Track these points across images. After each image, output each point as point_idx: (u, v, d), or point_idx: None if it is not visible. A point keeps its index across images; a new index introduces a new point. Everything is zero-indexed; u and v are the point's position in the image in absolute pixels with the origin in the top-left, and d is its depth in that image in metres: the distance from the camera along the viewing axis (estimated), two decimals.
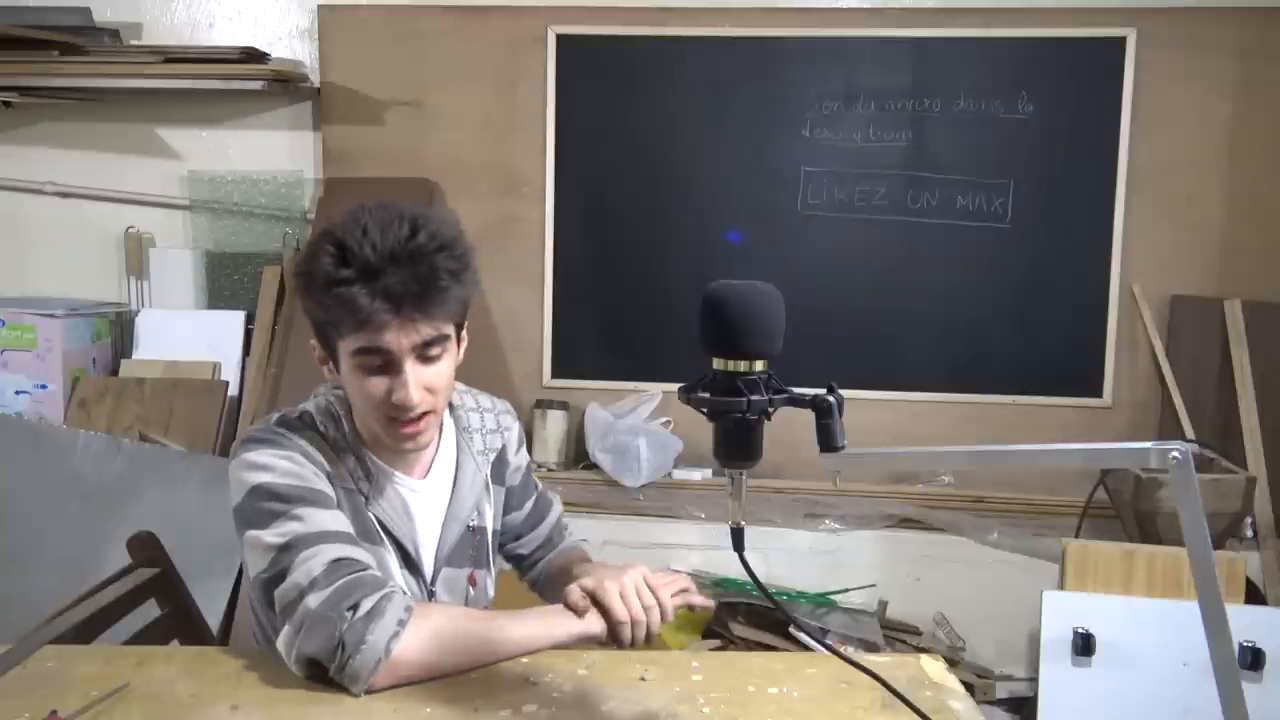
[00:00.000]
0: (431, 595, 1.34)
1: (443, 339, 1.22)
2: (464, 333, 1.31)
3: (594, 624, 1.21)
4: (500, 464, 1.46)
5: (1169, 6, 3.11)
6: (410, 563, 1.31)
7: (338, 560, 1.15)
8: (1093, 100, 3.14)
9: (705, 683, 1.18)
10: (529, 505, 1.53)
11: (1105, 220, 3.17)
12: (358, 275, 1.15)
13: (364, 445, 1.30)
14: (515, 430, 1.50)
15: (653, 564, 1.52)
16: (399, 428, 1.23)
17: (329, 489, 1.24)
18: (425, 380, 1.21)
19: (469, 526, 1.38)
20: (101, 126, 3.37)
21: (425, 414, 1.23)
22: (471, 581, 1.39)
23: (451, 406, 1.41)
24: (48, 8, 3.20)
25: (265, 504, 1.19)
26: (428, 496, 1.35)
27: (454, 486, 1.37)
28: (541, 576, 1.55)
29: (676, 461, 3.14)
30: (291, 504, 1.19)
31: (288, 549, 1.16)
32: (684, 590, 1.30)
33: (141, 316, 3.34)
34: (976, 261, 3.22)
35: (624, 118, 3.27)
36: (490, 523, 1.43)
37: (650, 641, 1.24)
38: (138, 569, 1.48)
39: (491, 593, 1.43)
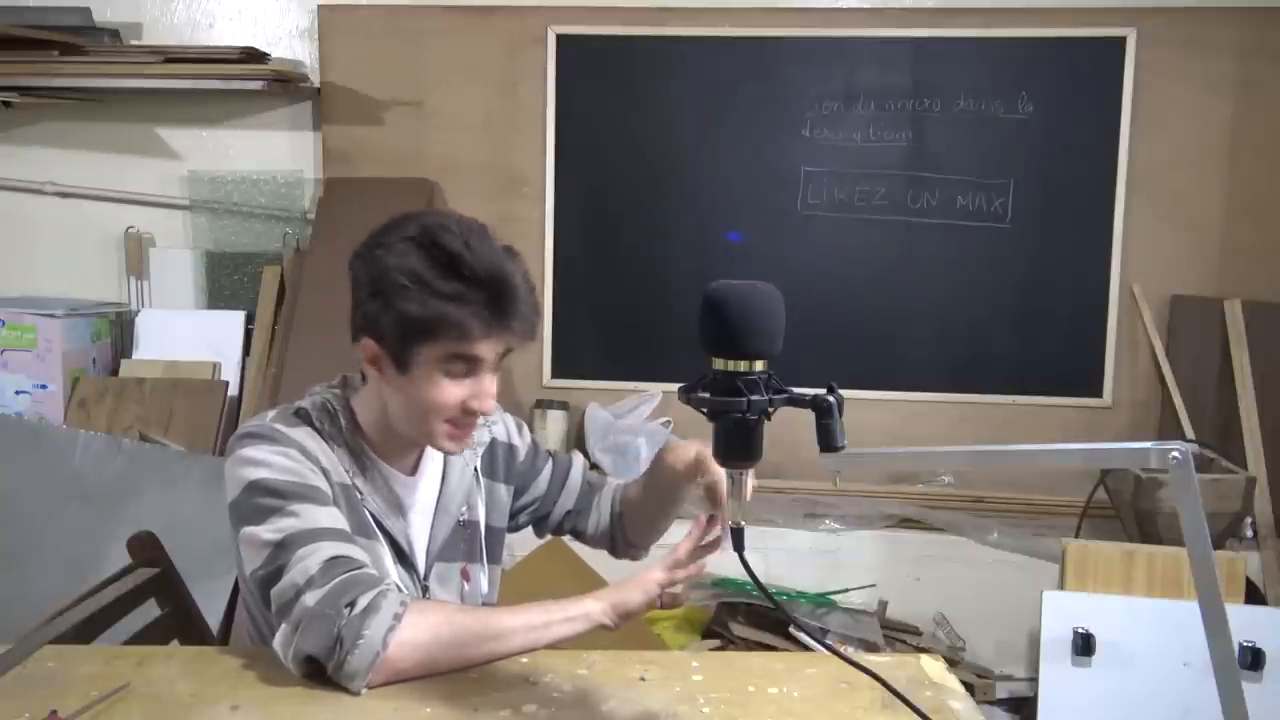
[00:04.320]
0: (425, 590, 1.34)
1: (510, 352, 1.27)
2: None
3: (594, 608, 1.21)
4: (496, 456, 1.47)
5: (1169, 6, 3.11)
6: (403, 557, 1.32)
7: (334, 558, 1.15)
8: (1093, 100, 3.14)
9: (705, 683, 1.18)
10: (548, 469, 1.54)
11: (1105, 220, 3.17)
12: (466, 289, 1.17)
13: (362, 440, 1.31)
14: (507, 420, 1.52)
15: (654, 563, 1.52)
16: (459, 430, 1.26)
17: (325, 485, 1.24)
18: (493, 389, 1.27)
19: (460, 521, 1.39)
20: (101, 126, 3.37)
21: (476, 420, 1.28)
22: (465, 576, 1.39)
23: None
24: (48, 8, 3.20)
25: (261, 500, 1.19)
26: (418, 492, 1.36)
27: (443, 481, 1.38)
28: (619, 517, 1.55)
29: None
30: (288, 500, 1.19)
31: (284, 546, 1.16)
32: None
33: (141, 316, 3.34)
34: (976, 261, 3.22)
35: (624, 118, 3.27)
36: (482, 517, 1.43)
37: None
38: (138, 569, 1.48)
39: (486, 588, 1.43)
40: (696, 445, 1.35)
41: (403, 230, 1.21)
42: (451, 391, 1.22)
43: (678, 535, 1.37)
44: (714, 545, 1.29)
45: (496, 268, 1.19)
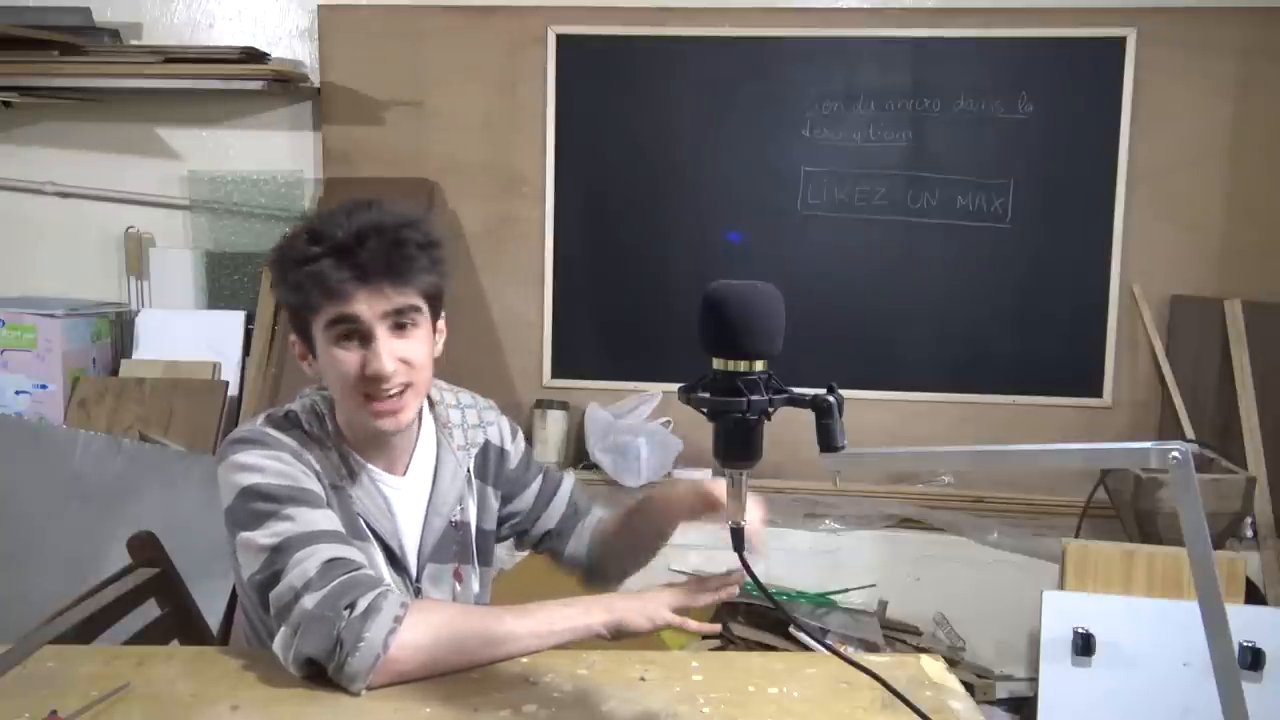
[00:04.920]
0: (418, 592, 1.34)
1: (413, 310, 1.25)
2: (441, 323, 1.33)
3: (596, 619, 1.21)
4: (488, 458, 1.46)
5: (1169, 6, 3.11)
6: (395, 560, 1.32)
7: (332, 560, 1.15)
8: (1093, 100, 3.14)
9: (705, 683, 1.18)
10: (537, 483, 1.52)
11: (1105, 220, 3.17)
12: (327, 251, 1.20)
13: (346, 443, 1.31)
14: (502, 423, 1.51)
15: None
16: (375, 404, 1.24)
17: (319, 488, 1.24)
18: (399, 352, 1.23)
19: (451, 522, 1.38)
20: (101, 126, 3.37)
21: (403, 390, 1.25)
22: (457, 577, 1.39)
23: (431, 402, 1.42)
24: (48, 8, 3.20)
25: (256, 505, 1.19)
26: (408, 493, 1.35)
27: (434, 482, 1.38)
28: (595, 550, 1.54)
29: (676, 461, 3.14)
30: (283, 504, 1.19)
31: (281, 550, 1.16)
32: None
33: (141, 316, 3.33)
34: (976, 261, 3.22)
35: (624, 118, 3.27)
36: (474, 519, 1.43)
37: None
38: (138, 569, 1.48)
39: (477, 588, 1.43)
40: (695, 483, 1.36)
41: (295, 224, 1.28)
42: (346, 360, 1.22)
43: (674, 537, 1.37)
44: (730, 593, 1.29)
45: (358, 227, 1.20)
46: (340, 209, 1.24)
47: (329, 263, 1.19)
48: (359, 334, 1.22)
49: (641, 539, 1.49)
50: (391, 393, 1.23)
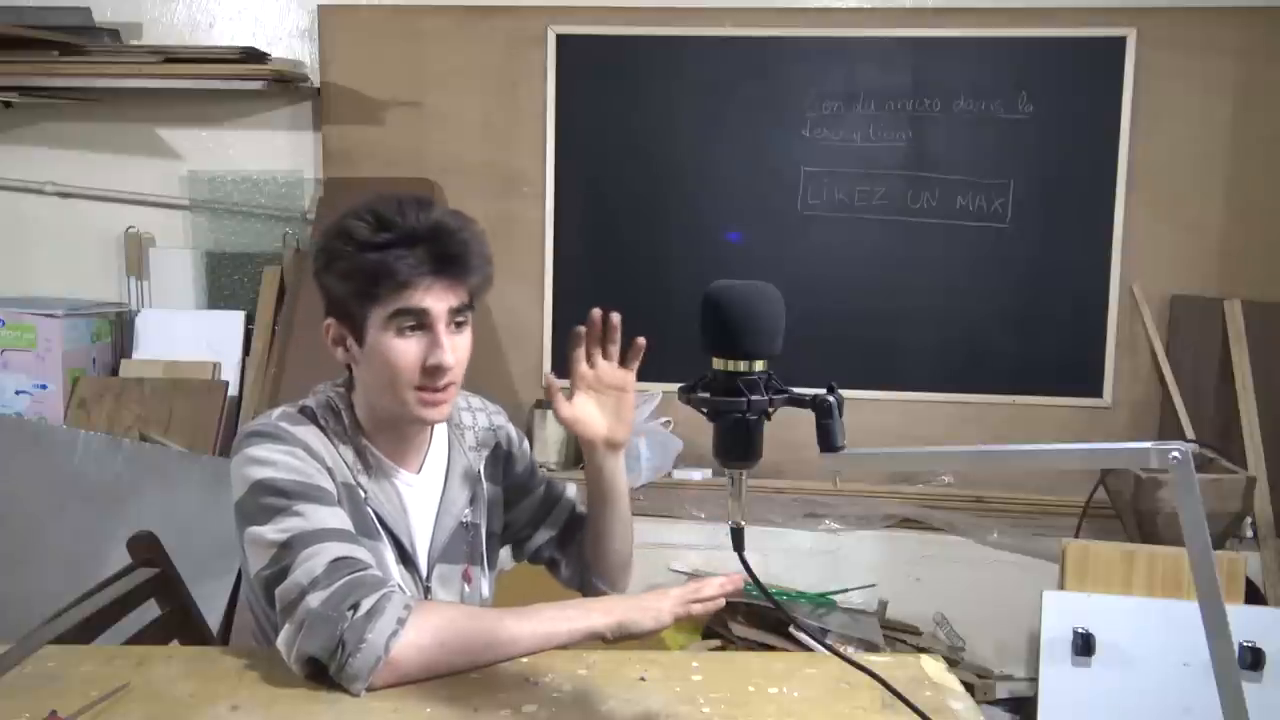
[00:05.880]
0: (428, 591, 1.34)
1: (469, 309, 1.27)
2: None
3: (599, 621, 1.21)
4: (498, 461, 1.46)
5: (1169, 6, 3.11)
6: (406, 557, 1.32)
7: (339, 559, 1.15)
8: (1093, 100, 3.14)
9: (705, 683, 1.17)
10: (541, 490, 1.52)
11: (1105, 220, 3.17)
12: (399, 239, 1.20)
13: (364, 437, 1.31)
14: (510, 429, 1.51)
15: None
16: (427, 394, 1.25)
17: (330, 485, 1.24)
18: (455, 348, 1.25)
19: (462, 522, 1.38)
20: (101, 126, 3.37)
21: (449, 384, 1.26)
22: (466, 578, 1.39)
23: None
24: (48, 8, 3.19)
25: (267, 500, 1.19)
26: (421, 491, 1.35)
27: (446, 481, 1.38)
28: (584, 544, 1.51)
29: (676, 461, 3.13)
30: (293, 500, 1.19)
31: (289, 546, 1.16)
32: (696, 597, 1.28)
33: (141, 316, 3.34)
34: (976, 261, 3.22)
35: (624, 118, 3.27)
36: (484, 520, 1.43)
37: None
38: (138, 569, 1.47)
39: (486, 592, 1.43)
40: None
41: (344, 213, 1.25)
42: (407, 351, 1.23)
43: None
44: (735, 592, 1.28)
45: (430, 220, 1.21)
46: (399, 198, 1.23)
47: (403, 252, 1.19)
48: (423, 326, 1.23)
49: (599, 493, 1.43)
50: (442, 384, 1.25)
